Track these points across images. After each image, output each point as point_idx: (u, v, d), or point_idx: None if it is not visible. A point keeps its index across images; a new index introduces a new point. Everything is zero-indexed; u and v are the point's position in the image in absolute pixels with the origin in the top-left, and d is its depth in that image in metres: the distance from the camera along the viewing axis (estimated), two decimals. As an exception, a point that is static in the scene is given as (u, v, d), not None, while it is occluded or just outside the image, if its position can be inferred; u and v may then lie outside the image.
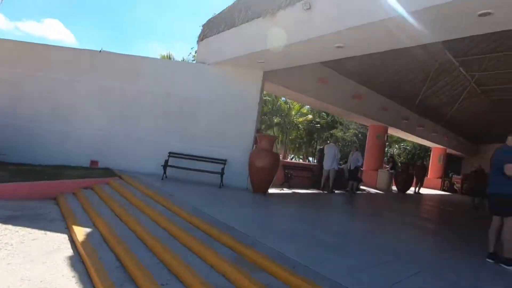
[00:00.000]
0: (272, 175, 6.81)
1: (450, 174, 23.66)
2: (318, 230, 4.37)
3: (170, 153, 7.50)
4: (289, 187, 9.03)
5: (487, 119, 21.11)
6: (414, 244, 4.50)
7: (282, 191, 8.29)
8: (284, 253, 3.15)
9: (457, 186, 20.12)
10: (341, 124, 24.71)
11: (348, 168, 10.25)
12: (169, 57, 14.77)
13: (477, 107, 18.89)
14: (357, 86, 12.12)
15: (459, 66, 13.79)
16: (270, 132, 18.97)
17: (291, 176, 9.23)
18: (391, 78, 13.14)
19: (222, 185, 7.20)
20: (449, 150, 21.10)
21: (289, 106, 18.42)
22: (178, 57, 17.46)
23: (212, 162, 7.44)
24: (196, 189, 6.50)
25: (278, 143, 19.87)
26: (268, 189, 7.04)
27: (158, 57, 14.46)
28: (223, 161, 7.40)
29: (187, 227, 3.96)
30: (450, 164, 25.68)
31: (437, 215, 8.50)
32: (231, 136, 7.76)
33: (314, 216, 5.56)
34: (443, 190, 20.02)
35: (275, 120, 18.04)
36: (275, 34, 5.73)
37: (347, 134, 27.77)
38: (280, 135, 19.40)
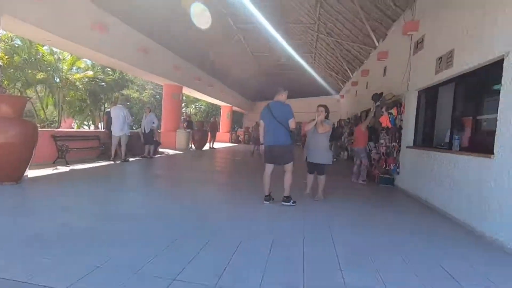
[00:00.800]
0: (26, 153, 4.76)
1: (235, 128, 28.09)
2: (92, 221, 3.34)
3: None
4: (66, 164, 7.02)
5: (260, 81, 26.03)
6: (208, 206, 4.48)
7: (55, 171, 6.28)
8: (32, 273, 2.00)
9: (240, 138, 24.19)
10: (132, 82, 22.59)
11: (143, 131, 9.33)
12: None
13: (252, 70, 22.65)
14: (145, 39, 10.87)
15: (238, 32, 15.45)
16: (30, 93, 13.96)
17: (67, 149, 7.17)
18: (183, 36, 12.80)
19: None
20: (234, 108, 24.60)
21: (58, 58, 14.08)
22: None
23: None
24: None
25: (45, 106, 15.04)
26: (23, 173, 4.95)
27: None
28: None
29: None
30: (235, 119, 30.42)
31: (226, 167, 9.46)
32: None
33: (90, 200, 4.39)
34: (231, 142, 23.52)
35: (38, 76, 13.27)
36: None
37: (143, 94, 26.09)
38: (49, 97, 14.82)
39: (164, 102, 14.45)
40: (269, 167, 4.53)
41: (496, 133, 3.41)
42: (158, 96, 25.36)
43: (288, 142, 4.38)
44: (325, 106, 4.95)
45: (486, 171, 3.51)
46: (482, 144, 3.89)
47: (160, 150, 11.56)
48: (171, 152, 12.05)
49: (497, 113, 3.43)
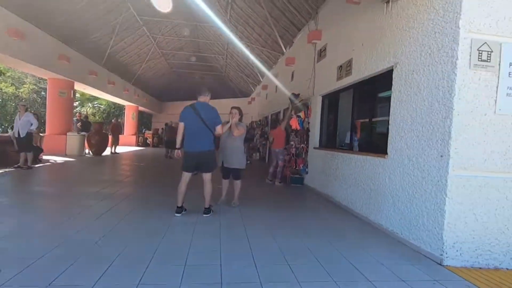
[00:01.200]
0: None
1: (143, 130, 25.86)
2: None
3: None
4: None
5: (168, 80, 24.55)
6: (105, 226, 3.71)
7: None
8: None
9: (149, 141, 22.32)
10: (3, 74, 18.29)
11: (16, 135, 7.42)
12: None
13: (160, 68, 21.15)
14: (19, 21, 8.77)
15: (143, 26, 14.15)
16: None
17: None
18: (74, 22, 10.88)
19: None
20: (140, 108, 22.50)
21: None
22: None
23: None
24: None
25: None
26: None
27: None
28: None
29: None
30: (143, 120, 28.01)
31: (129, 176, 8.38)
32: None
33: None
34: (138, 145, 21.43)
35: None
36: None
37: (21, 90, 21.45)
38: None
39: (49, 99, 12.01)
40: (187, 176, 4.07)
41: (388, 135, 3.83)
42: (43, 93, 21.26)
43: (213, 148, 4.08)
44: (238, 108, 4.77)
45: (382, 169, 3.91)
46: (378, 144, 4.35)
47: (44, 157, 9.51)
48: (60, 159, 10.05)
49: (389, 117, 3.85)
